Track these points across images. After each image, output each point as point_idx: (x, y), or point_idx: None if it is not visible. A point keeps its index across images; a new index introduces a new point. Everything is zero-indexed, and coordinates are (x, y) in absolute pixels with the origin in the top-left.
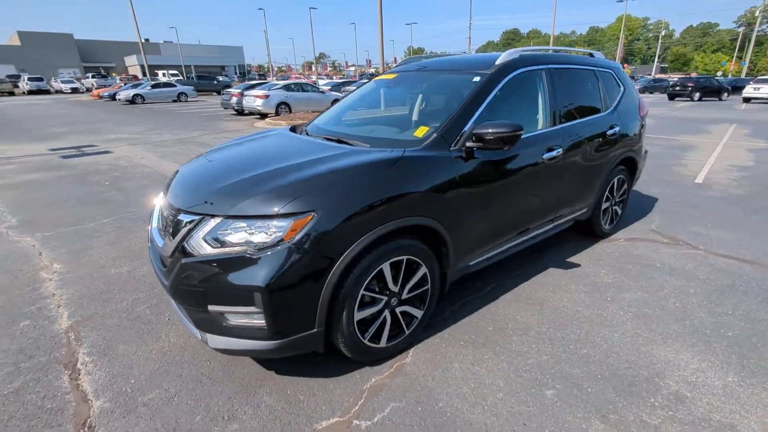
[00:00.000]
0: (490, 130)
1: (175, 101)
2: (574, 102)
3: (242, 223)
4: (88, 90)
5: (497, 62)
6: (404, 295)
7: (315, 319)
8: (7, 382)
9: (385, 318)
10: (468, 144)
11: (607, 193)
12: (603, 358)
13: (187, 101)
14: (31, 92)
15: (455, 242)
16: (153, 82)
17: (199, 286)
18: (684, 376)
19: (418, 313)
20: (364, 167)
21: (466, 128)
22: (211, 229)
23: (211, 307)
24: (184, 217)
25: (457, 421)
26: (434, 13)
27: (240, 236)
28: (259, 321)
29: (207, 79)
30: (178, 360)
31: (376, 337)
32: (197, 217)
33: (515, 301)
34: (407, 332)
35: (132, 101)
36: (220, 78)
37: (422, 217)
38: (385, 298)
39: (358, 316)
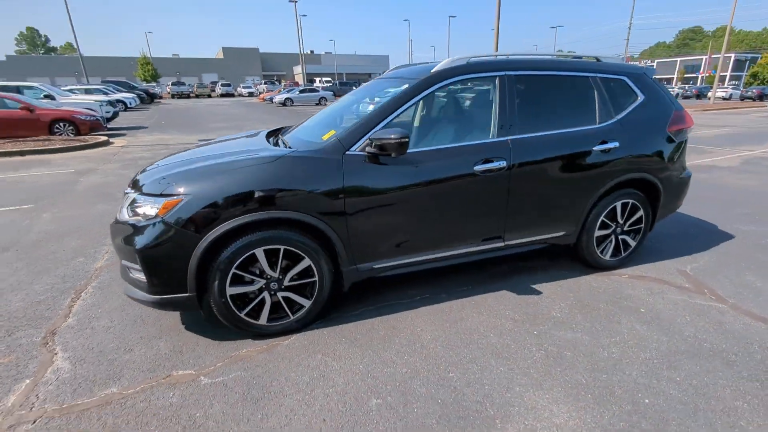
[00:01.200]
0: (378, 137)
1: (317, 104)
2: (545, 112)
3: (144, 199)
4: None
5: (432, 70)
6: (286, 282)
7: (186, 285)
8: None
9: (263, 299)
10: (368, 149)
11: (603, 218)
12: (462, 386)
13: (326, 104)
14: (222, 95)
15: (348, 243)
16: (301, 88)
17: (117, 243)
18: (534, 427)
19: (305, 302)
20: (243, 163)
21: (370, 133)
22: (131, 202)
23: (122, 261)
24: (127, 191)
25: (272, 403)
26: (590, 13)
27: (143, 209)
28: (142, 277)
29: (347, 85)
30: (137, 306)
31: (255, 314)
32: (130, 191)
33: (432, 314)
34: (292, 317)
35: (283, 104)
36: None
37: (296, 212)
38: (263, 281)
39: (231, 290)
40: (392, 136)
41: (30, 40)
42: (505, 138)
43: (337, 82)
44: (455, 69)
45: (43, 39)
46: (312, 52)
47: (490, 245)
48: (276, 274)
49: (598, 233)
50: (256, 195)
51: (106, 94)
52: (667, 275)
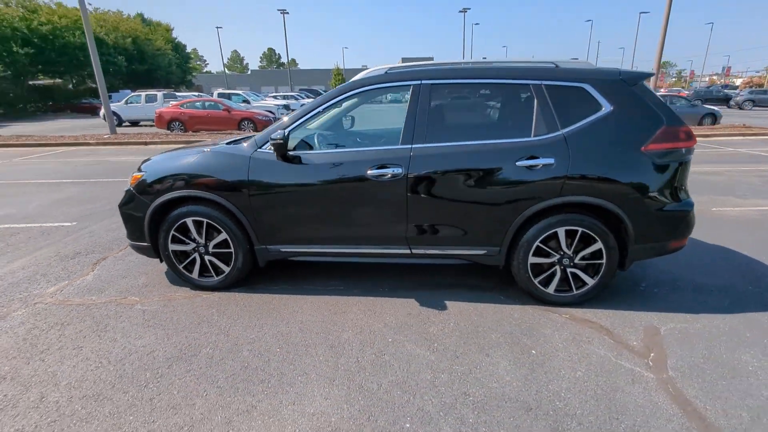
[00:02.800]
0: (270, 137)
1: None
2: (462, 122)
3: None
4: None
5: (354, 78)
6: (210, 249)
7: (144, 236)
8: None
9: (194, 258)
10: (267, 149)
11: (539, 244)
12: (276, 362)
13: None
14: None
15: (255, 225)
16: None
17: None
18: (293, 400)
19: (225, 268)
20: (186, 154)
21: (275, 135)
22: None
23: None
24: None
25: (159, 328)
26: None
27: (128, 180)
28: (125, 228)
29: None
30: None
31: (190, 269)
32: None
33: (326, 303)
34: (216, 278)
35: None
36: None
37: (209, 192)
38: (193, 245)
39: (172, 247)
40: (274, 138)
41: (269, 58)
42: (408, 146)
43: None
44: (370, 79)
45: (277, 56)
46: (485, 59)
47: (396, 250)
48: (203, 241)
49: (533, 260)
50: (183, 177)
51: (297, 99)
52: (621, 328)
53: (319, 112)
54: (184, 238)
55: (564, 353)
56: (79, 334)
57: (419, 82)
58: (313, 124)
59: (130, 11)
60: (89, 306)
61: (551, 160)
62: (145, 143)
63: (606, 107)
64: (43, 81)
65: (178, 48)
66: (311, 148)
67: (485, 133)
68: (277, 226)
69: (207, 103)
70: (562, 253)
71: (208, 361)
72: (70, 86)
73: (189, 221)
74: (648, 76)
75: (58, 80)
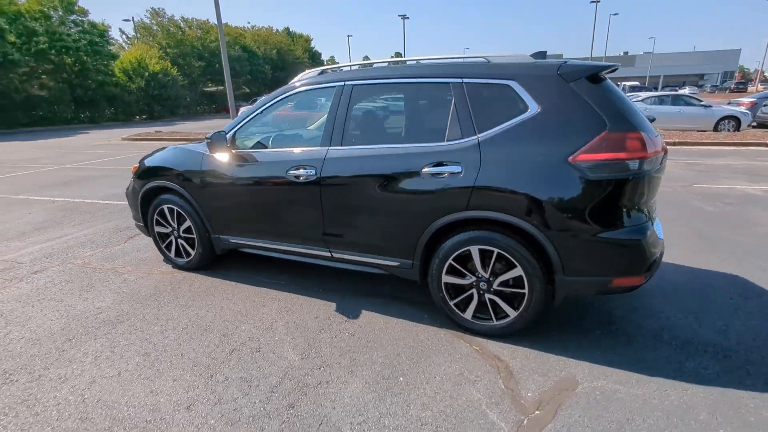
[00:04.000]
0: (206, 136)
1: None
2: (380, 123)
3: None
4: None
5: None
6: (181, 233)
7: (140, 217)
8: None
9: (171, 240)
10: None
11: (452, 261)
12: (156, 332)
13: None
14: None
15: (206, 216)
16: None
17: None
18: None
19: (191, 252)
20: (171, 149)
21: (210, 134)
22: None
23: None
24: None
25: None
26: None
27: None
28: None
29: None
30: None
31: (168, 249)
32: None
33: (254, 294)
34: (185, 259)
35: None
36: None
37: (174, 184)
38: (170, 228)
39: (156, 229)
40: (208, 138)
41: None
42: (325, 149)
43: (658, 86)
44: (304, 80)
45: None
46: (626, 53)
47: (318, 252)
48: (175, 226)
49: (446, 279)
50: (158, 168)
51: None
52: (529, 374)
53: (258, 114)
54: (163, 222)
55: (433, 388)
56: (71, 291)
57: (342, 83)
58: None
59: (279, 26)
60: (96, 269)
61: (458, 168)
62: None
63: (532, 108)
64: (210, 88)
65: (315, 56)
66: (266, 147)
67: (400, 137)
68: (223, 219)
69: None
70: (478, 275)
71: (127, 329)
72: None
73: (165, 208)
74: (603, 68)
75: (220, 87)
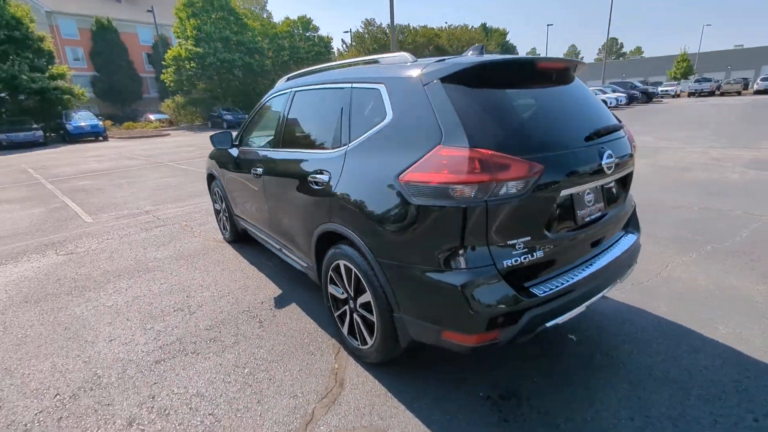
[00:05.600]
0: None
1: None
2: (301, 129)
3: None
4: None
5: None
6: (222, 212)
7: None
8: None
9: (220, 218)
10: None
11: (332, 273)
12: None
13: None
14: (757, 92)
15: (228, 199)
16: None
17: None
18: None
19: (228, 226)
20: None
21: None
22: None
23: None
24: None
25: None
26: None
27: None
28: None
29: None
30: None
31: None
32: None
33: (230, 268)
34: (222, 235)
35: None
36: None
37: (215, 170)
38: (219, 206)
39: (214, 206)
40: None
41: (609, 49)
42: (270, 150)
43: None
44: (281, 84)
45: (618, 46)
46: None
47: (274, 243)
48: (221, 206)
49: (330, 289)
50: (211, 159)
51: (603, 93)
52: (352, 402)
53: (252, 120)
54: (217, 202)
55: (261, 386)
56: (134, 240)
57: (291, 89)
58: None
59: (476, 23)
60: (175, 224)
61: (326, 178)
62: None
63: (388, 116)
64: None
65: (508, 50)
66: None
67: (310, 143)
68: (235, 205)
69: None
70: (348, 292)
71: (162, 272)
72: None
73: (215, 190)
74: (475, 66)
75: None
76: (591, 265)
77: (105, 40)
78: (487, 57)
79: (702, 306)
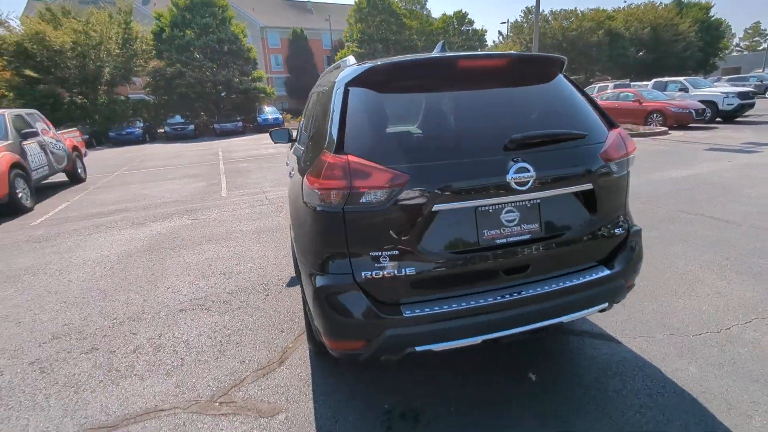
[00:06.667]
0: None
1: None
2: (302, 128)
3: None
4: None
5: None
6: None
7: None
8: None
9: None
10: None
11: None
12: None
13: None
14: None
15: None
16: None
17: None
18: None
19: None
20: None
21: None
22: None
23: None
24: None
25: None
26: None
27: None
28: None
29: None
30: None
31: None
32: None
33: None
34: None
35: None
36: None
37: None
38: None
39: None
40: None
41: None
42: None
43: None
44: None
45: None
46: None
47: None
48: None
49: None
50: None
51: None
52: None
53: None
54: None
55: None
56: (239, 214)
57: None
58: None
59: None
60: (273, 204)
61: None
62: None
63: (313, 119)
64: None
65: (710, 28)
66: None
67: (301, 142)
68: None
69: (622, 94)
70: None
71: (237, 241)
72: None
73: None
74: (371, 70)
75: (577, 76)
76: (505, 294)
77: (297, 47)
78: (390, 60)
79: (753, 382)
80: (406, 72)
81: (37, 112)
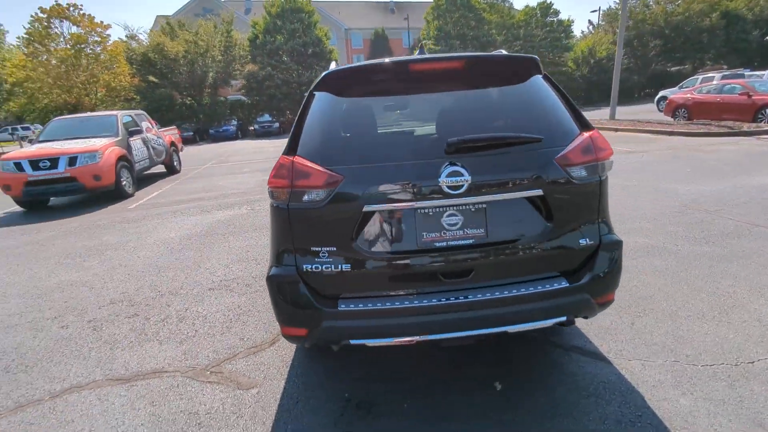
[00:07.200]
0: None
1: None
2: None
3: None
4: None
5: None
6: None
7: None
8: None
9: None
10: None
11: None
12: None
13: None
14: None
15: None
16: None
17: None
18: None
19: None
20: None
21: None
22: None
23: None
24: None
25: None
26: None
27: None
28: None
29: None
30: None
31: None
32: None
33: None
34: None
35: None
36: None
37: None
38: None
39: None
40: None
41: None
42: None
43: None
44: None
45: None
46: None
47: None
48: None
49: None
50: None
51: None
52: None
53: None
54: None
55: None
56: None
57: None
58: None
59: None
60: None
61: None
62: (628, 131)
63: None
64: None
65: None
66: None
67: None
68: None
69: (727, 86)
70: None
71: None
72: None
73: None
74: (326, 77)
75: (683, 66)
76: (443, 298)
77: (378, 47)
78: (347, 66)
79: (756, 426)
80: (360, 77)
81: (143, 112)
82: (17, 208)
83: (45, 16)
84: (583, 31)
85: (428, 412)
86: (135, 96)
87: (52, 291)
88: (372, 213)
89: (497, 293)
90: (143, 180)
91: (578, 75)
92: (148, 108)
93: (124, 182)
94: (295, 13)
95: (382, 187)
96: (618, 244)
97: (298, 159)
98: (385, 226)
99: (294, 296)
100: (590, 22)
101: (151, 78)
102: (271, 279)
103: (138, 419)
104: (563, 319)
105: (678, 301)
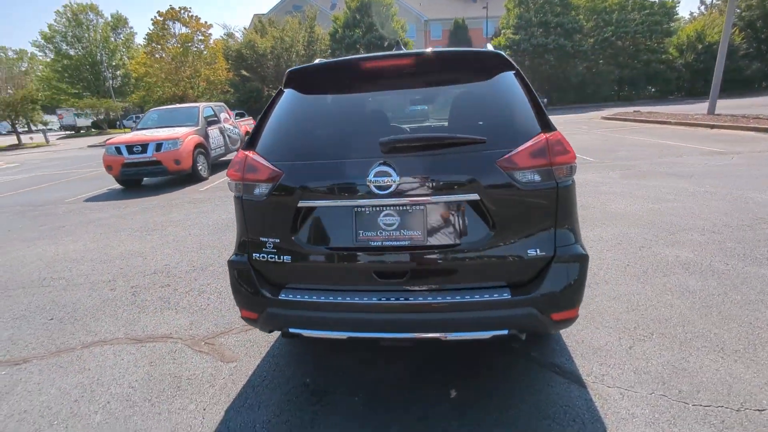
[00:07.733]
0: None
1: None
2: None
3: None
4: None
5: None
6: None
7: None
8: None
9: None
10: None
11: None
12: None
13: None
14: None
15: None
16: None
17: None
18: None
19: None
20: None
21: None
22: None
23: None
24: None
25: None
26: None
27: None
28: None
29: None
30: None
31: None
32: None
33: None
34: None
35: None
36: None
37: None
38: None
39: None
40: None
41: None
42: None
43: None
44: None
45: None
46: None
47: None
48: None
49: None
50: None
51: None
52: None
53: None
54: None
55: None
56: None
57: None
58: None
59: None
60: None
61: None
62: (727, 128)
63: None
64: None
65: None
66: None
67: None
68: None
69: None
70: None
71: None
72: None
73: None
74: (291, 73)
75: None
76: (374, 297)
77: (457, 37)
78: (308, 64)
79: None
80: (318, 75)
81: (223, 104)
82: (118, 186)
83: (161, 19)
84: (692, 12)
85: (375, 407)
86: (230, 89)
87: (116, 258)
88: (310, 209)
89: (435, 298)
90: (220, 165)
91: (680, 63)
92: (239, 100)
93: (200, 167)
94: (374, 6)
95: (316, 184)
96: (580, 257)
97: (251, 154)
98: (324, 222)
99: (246, 282)
100: (702, 2)
101: (243, 72)
102: (229, 264)
103: (135, 375)
104: (505, 332)
105: (697, 328)
